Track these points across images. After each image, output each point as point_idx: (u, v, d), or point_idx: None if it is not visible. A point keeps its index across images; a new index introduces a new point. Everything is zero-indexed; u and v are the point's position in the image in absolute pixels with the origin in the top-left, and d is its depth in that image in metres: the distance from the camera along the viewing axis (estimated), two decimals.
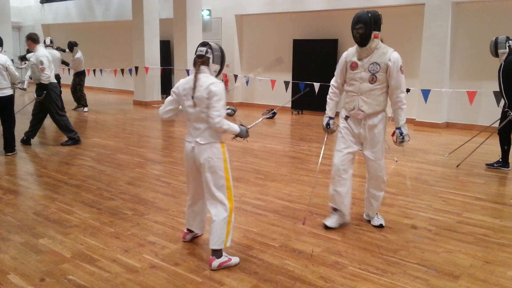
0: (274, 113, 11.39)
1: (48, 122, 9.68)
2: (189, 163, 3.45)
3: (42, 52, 7.30)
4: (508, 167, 6.29)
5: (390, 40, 11.21)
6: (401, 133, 3.95)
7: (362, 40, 3.78)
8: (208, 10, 13.89)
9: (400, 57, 3.82)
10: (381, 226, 4.17)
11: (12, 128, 6.85)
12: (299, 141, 8.54)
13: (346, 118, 4.03)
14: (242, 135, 3.44)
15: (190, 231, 3.82)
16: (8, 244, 3.76)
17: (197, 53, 3.34)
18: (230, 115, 11.41)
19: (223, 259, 3.36)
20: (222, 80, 13.71)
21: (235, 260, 3.44)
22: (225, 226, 3.31)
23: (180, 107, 3.44)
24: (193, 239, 3.86)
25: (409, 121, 10.37)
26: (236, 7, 13.26)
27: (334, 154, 4.06)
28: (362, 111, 3.88)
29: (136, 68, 13.57)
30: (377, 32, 3.77)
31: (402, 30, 10.63)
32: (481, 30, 9.64)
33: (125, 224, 4.20)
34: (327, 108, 4.14)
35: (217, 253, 3.34)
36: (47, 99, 7.39)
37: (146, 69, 13.27)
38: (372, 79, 3.82)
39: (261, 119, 4.20)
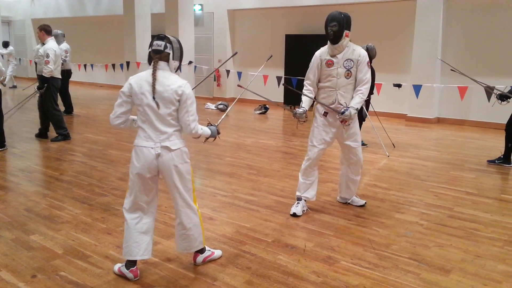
0: (267, 108, 11.39)
1: (38, 118, 9.57)
2: (145, 171, 3.05)
3: (50, 45, 7.27)
4: (510, 163, 6.31)
5: (381, 36, 11.29)
6: (347, 110, 4.12)
7: (335, 37, 4.09)
8: (200, 5, 13.81)
9: (366, 54, 4.21)
10: (364, 204, 4.64)
11: (1, 124, 6.78)
12: (291, 136, 8.54)
13: (325, 114, 4.32)
14: (214, 135, 3.27)
15: (133, 263, 3.16)
16: None
17: (154, 48, 3.00)
18: (222, 110, 11.39)
19: (206, 253, 3.37)
20: (215, 76, 13.72)
21: (218, 253, 3.47)
22: (200, 228, 3.23)
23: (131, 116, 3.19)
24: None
25: (401, 116, 10.47)
26: (229, 2, 13.20)
27: (309, 148, 4.39)
28: (341, 104, 4.19)
29: (128, 63, 13.47)
30: (347, 31, 4.11)
31: (393, 25, 10.65)
32: (472, 25, 9.69)
33: (117, 220, 4.18)
34: (303, 101, 4.36)
35: (200, 250, 3.34)
36: (46, 93, 7.37)
37: (138, 64, 13.16)
38: (348, 74, 4.15)
39: (226, 113, 4.10)
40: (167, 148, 3.02)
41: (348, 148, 4.41)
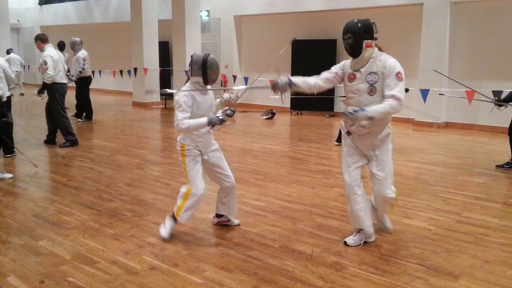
0: (274, 113, 11.40)
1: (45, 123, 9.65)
2: None
3: (48, 52, 7.35)
4: None
5: (388, 40, 11.27)
6: (355, 111, 3.38)
7: (353, 50, 3.52)
8: (207, 11, 13.89)
9: (398, 64, 3.46)
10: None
11: (11, 131, 6.83)
12: (298, 141, 8.54)
13: (348, 133, 3.73)
14: (214, 121, 3.65)
15: (218, 215, 4.23)
16: (7, 246, 3.75)
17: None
18: (229, 116, 11.39)
19: (166, 222, 3.93)
20: (221, 81, 13.76)
21: (163, 233, 3.89)
22: (180, 200, 3.85)
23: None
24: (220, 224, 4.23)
25: (408, 121, 10.42)
26: (235, 8, 13.26)
27: (343, 172, 3.76)
28: (363, 126, 3.53)
29: (135, 69, 13.57)
30: (369, 41, 3.49)
31: (400, 30, 10.63)
32: (479, 29, 9.65)
33: (124, 226, 4.19)
34: (298, 79, 3.71)
35: (173, 216, 3.93)
36: (52, 99, 7.45)
37: (145, 70, 13.27)
38: (371, 90, 3.48)
39: (223, 110, 4.17)
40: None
41: (373, 178, 3.71)
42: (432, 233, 4.09)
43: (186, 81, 3.91)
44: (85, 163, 6.60)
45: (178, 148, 3.89)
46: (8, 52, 16.15)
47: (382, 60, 3.49)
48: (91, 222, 4.28)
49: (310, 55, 11.89)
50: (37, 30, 20.08)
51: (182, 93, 3.73)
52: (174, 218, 3.91)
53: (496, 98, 6.27)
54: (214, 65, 3.75)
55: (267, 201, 4.95)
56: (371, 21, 3.56)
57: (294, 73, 12.21)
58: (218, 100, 4.15)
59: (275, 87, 3.65)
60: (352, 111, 3.39)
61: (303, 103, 11.97)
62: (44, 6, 19.66)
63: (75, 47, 10.33)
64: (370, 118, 3.36)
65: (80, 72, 10.19)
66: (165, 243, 3.81)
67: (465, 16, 9.79)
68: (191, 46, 12.45)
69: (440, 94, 8.04)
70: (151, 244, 3.79)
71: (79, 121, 10.41)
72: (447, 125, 10.18)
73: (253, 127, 10.11)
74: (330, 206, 4.76)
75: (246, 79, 11.70)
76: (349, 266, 3.42)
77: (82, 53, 10.25)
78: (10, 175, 5.85)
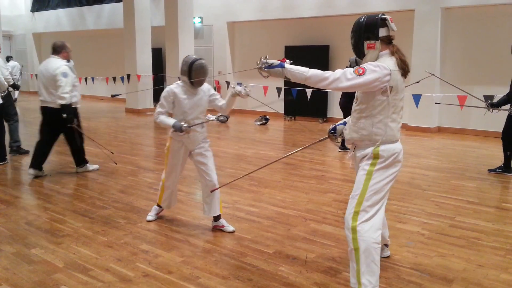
0: (267, 119, 11.41)
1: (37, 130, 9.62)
2: None
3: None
4: (511, 172, 6.29)
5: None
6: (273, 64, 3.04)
7: (355, 51, 3.04)
8: (200, 17, 13.92)
9: (373, 64, 2.84)
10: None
11: (2, 138, 6.79)
12: (292, 147, 8.55)
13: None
14: (176, 127, 4.01)
15: (215, 218, 4.36)
16: None
17: None
18: (222, 122, 11.34)
19: (153, 209, 4.57)
20: (215, 87, 13.78)
21: (148, 217, 4.50)
22: (159, 189, 4.47)
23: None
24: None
25: (401, 126, 10.45)
26: (228, 14, 13.30)
27: None
28: (347, 139, 3.15)
29: (128, 75, 13.55)
30: (372, 42, 2.93)
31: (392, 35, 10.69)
32: (470, 35, 9.74)
33: (118, 233, 4.17)
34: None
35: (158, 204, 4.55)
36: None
37: (138, 76, 13.25)
38: (356, 98, 3.05)
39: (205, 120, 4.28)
40: None
41: None
42: (426, 237, 4.11)
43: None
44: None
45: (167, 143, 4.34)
46: (7, 59, 16.15)
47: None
48: (84, 230, 4.25)
49: (303, 61, 11.79)
50: (29, 37, 20.05)
51: (166, 89, 4.15)
52: (158, 205, 4.54)
53: (489, 101, 6.32)
54: (200, 69, 4.02)
55: (261, 207, 4.95)
56: (381, 16, 2.96)
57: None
58: (231, 90, 4.25)
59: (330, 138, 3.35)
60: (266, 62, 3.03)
61: (297, 108, 12.02)
62: (36, 13, 19.60)
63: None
64: (282, 67, 2.96)
65: None
66: (158, 250, 3.79)
67: (456, 21, 9.88)
68: (184, 53, 12.43)
69: (436, 103, 8.07)
70: (144, 251, 3.77)
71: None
72: (440, 130, 10.24)
73: (246, 133, 10.12)
74: (324, 212, 4.77)
75: (239, 85, 11.71)
76: (344, 271, 3.43)
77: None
78: (97, 166, 6.50)
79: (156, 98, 13.86)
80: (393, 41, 3.02)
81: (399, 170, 3.06)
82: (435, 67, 9.82)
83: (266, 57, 3.08)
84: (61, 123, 5.95)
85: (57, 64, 5.96)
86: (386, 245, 3.64)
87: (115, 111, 13.96)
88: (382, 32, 2.95)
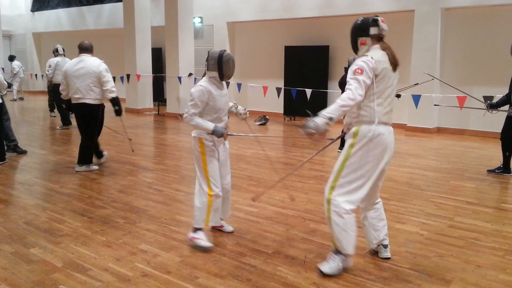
0: (267, 119, 11.41)
1: (38, 131, 9.66)
2: None
3: None
4: (510, 172, 6.29)
5: None
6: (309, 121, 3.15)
7: (352, 48, 3.45)
8: (200, 17, 13.92)
9: (361, 60, 3.22)
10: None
11: (2, 137, 6.79)
12: (291, 147, 8.55)
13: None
14: (217, 132, 3.73)
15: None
16: None
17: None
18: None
19: (194, 235, 3.85)
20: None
21: (203, 243, 3.80)
22: (204, 210, 3.80)
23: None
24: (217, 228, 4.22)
25: (401, 126, 10.48)
26: (228, 14, 13.31)
27: None
28: (345, 122, 3.47)
29: (128, 75, 13.55)
30: (363, 38, 3.34)
31: (392, 36, 10.59)
32: (470, 35, 9.75)
33: (116, 233, 4.17)
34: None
35: (195, 229, 3.88)
36: None
37: (138, 76, 13.25)
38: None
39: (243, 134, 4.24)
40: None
41: None
42: (425, 238, 4.11)
43: (203, 76, 3.86)
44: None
45: (196, 143, 3.82)
46: (11, 58, 16.21)
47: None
48: (83, 229, 4.25)
49: (303, 61, 11.95)
50: (29, 36, 20.05)
51: (198, 87, 3.71)
52: (198, 229, 3.85)
53: (488, 102, 6.34)
54: (230, 61, 3.77)
55: (260, 207, 4.95)
56: (374, 18, 3.38)
57: (287, 79, 12.27)
58: (231, 105, 4.20)
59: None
60: (309, 123, 3.11)
61: (297, 108, 12.03)
62: (36, 12, 19.61)
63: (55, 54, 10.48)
64: (330, 120, 3.09)
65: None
66: (157, 250, 3.79)
67: (456, 22, 9.89)
68: (184, 53, 12.47)
69: (435, 105, 8.13)
70: (143, 251, 3.77)
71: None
72: (439, 130, 10.24)
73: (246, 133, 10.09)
74: (323, 212, 4.71)
75: (239, 85, 11.73)
76: (342, 271, 3.42)
77: (52, 60, 10.29)
78: (96, 167, 6.48)
79: (156, 98, 13.99)
80: (383, 39, 3.43)
81: (385, 155, 3.29)
82: (435, 67, 9.84)
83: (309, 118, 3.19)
84: (93, 116, 6.42)
85: (97, 61, 6.31)
86: (385, 246, 3.64)
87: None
88: (373, 31, 3.35)
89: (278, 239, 4.05)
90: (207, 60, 3.78)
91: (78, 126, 6.50)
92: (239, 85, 11.73)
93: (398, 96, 8.17)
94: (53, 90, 10.39)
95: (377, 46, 3.35)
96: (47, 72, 10.26)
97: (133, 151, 7.11)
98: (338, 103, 3.13)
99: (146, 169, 6.69)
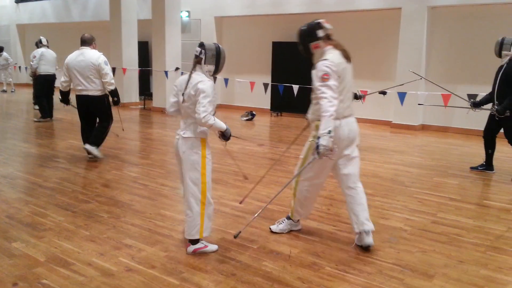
0: (253, 115, 11.41)
1: (22, 124, 9.53)
2: (176, 155, 3.65)
3: None
4: (493, 170, 6.40)
5: (367, 43, 11.38)
6: (317, 144, 3.36)
7: (307, 55, 3.66)
8: (187, 11, 13.82)
9: (324, 65, 3.40)
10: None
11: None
12: (277, 143, 8.56)
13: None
14: (227, 134, 3.64)
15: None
16: None
17: (194, 53, 3.52)
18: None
19: (198, 245, 3.61)
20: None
21: (212, 247, 3.65)
22: (198, 219, 3.54)
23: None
24: None
25: (386, 123, 10.56)
26: (216, 9, 13.24)
27: None
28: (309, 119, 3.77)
29: (114, 69, 13.36)
30: (315, 43, 3.54)
31: (379, 33, 10.77)
32: (456, 34, 9.85)
33: (100, 227, 4.14)
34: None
35: (192, 241, 3.60)
36: None
37: (124, 70, 13.12)
38: (313, 90, 3.60)
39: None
40: (182, 137, 3.53)
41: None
42: (408, 233, 4.15)
43: (192, 69, 3.49)
44: (61, 163, 6.49)
45: (197, 145, 3.52)
46: (1, 49, 15.97)
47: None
48: (66, 224, 4.21)
49: (291, 57, 11.95)
50: (13, 28, 19.70)
51: (208, 83, 3.41)
52: (195, 240, 3.60)
53: (472, 100, 6.44)
54: (224, 56, 3.61)
55: (245, 202, 4.94)
56: (318, 21, 3.59)
57: (274, 75, 12.26)
58: None
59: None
60: (320, 146, 3.33)
61: (283, 104, 12.04)
62: (20, 4, 19.27)
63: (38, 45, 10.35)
64: (329, 133, 3.31)
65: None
66: (142, 245, 3.77)
67: (442, 20, 9.98)
68: (171, 47, 12.38)
69: (419, 104, 8.21)
70: (127, 246, 3.75)
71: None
72: (424, 128, 10.35)
73: (232, 128, 9.97)
74: None
75: (226, 80, 11.69)
76: (327, 266, 3.45)
77: (37, 51, 10.16)
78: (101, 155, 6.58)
79: (142, 92, 13.87)
80: (331, 37, 3.61)
81: (345, 144, 3.64)
82: (421, 65, 9.92)
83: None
84: (98, 108, 6.55)
85: (96, 54, 6.41)
86: (366, 232, 3.68)
87: None
88: (321, 33, 3.56)
89: (264, 235, 4.06)
90: (203, 51, 3.46)
91: (80, 117, 6.66)
92: (226, 80, 11.69)
93: (383, 93, 8.24)
94: (37, 82, 10.24)
95: (330, 47, 3.56)
96: (31, 63, 10.10)
97: (117, 136, 7.32)
98: (325, 116, 3.32)
99: (131, 163, 6.65)
